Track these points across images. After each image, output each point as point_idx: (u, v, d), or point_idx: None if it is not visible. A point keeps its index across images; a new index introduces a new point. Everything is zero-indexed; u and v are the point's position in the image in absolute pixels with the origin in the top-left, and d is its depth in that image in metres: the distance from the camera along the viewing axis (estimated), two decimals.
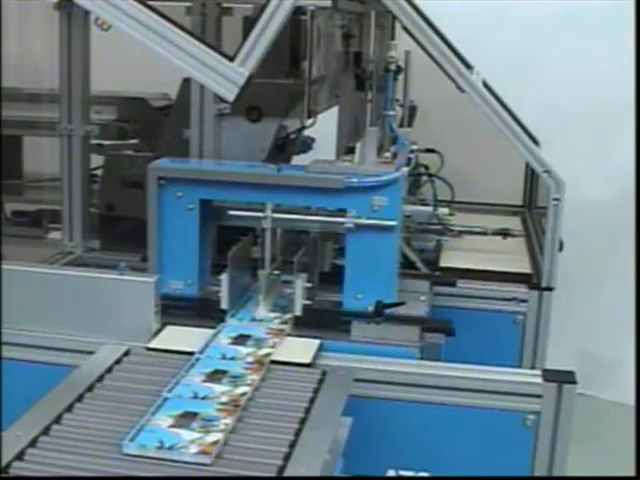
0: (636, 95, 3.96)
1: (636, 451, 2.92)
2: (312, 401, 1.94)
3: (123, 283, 2.30)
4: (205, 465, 1.65)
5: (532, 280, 3.11)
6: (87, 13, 2.98)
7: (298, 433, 1.78)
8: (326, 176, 2.44)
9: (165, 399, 1.88)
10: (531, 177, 4.07)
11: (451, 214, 3.31)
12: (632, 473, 2.91)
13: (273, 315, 2.47)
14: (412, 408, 2.21)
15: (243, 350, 2.20)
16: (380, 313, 2.39)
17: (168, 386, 1.94)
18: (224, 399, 1.90)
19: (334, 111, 3.21)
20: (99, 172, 3.46)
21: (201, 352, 2.17)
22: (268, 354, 2.19)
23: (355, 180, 2.40)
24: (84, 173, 3.19)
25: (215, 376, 2.02)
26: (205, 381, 1.99)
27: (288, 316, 2.45)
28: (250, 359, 2.14)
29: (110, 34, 2.72)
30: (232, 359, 2.14)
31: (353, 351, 2.31)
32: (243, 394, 1.93)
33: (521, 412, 2.19)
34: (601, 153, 4.23)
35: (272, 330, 2.37)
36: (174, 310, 2.46)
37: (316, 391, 1.99)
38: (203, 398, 1.90)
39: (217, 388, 1.95)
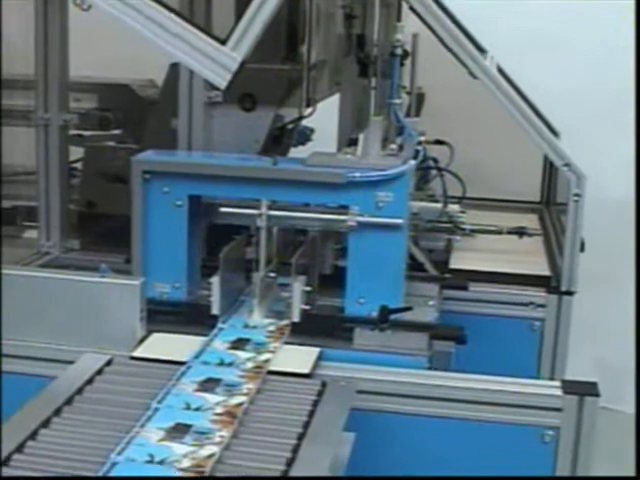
0: (636, 95, 3.95)
1: (636, 451, 2.92)
2: (311, 415, 1.94)
3: (105, 286, 2.30)
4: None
5: (551, 283, 3.12)
6: None
7: (296, 450, 1.79)
8: (326, 170, 2.45)
9: (155, 410, 1.89)
10: (550, 171, 4.08)
11: (462, 211, 3.31)
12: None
13: (268, 321, 2.48)
14: (420, 422, 2.21)
15: (242, 355, 2.22)
16: (385, 319, 2.39)
17: (158, 396, 1.95)
18: (219, 410, 1.91)
19: (335, 99, 3.21)
20: (79, 165, 3.46)
21: (196, 357, 2.18)
22: (268, 359, 2.20)
23: (358, 174, 2.41)
24: (62, 166, 3.20)
25: (208, 385, 2.03)
26: (198, 390, 2.00)
27: (285, 322, 2.46)
28: (250, 365, 2.16)
29: (90, 15, 2.73)
30: (230, 365, 2.15)
31: (356, 360, 2.31)
32: (239, 404, 1.94)
33: (539, 427, 2.19)
34: (626, 145, 4.23)
35: (272, 334, 2.38)
36: (161, 316, 2.46)
37: (315, 404, 2.00)
38: (196, 409, 1.91)
39: (211, 398, 1.97)
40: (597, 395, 2.19)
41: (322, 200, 2.51)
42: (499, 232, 3.38)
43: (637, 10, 3.97)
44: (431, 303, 2.63)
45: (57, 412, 1.91)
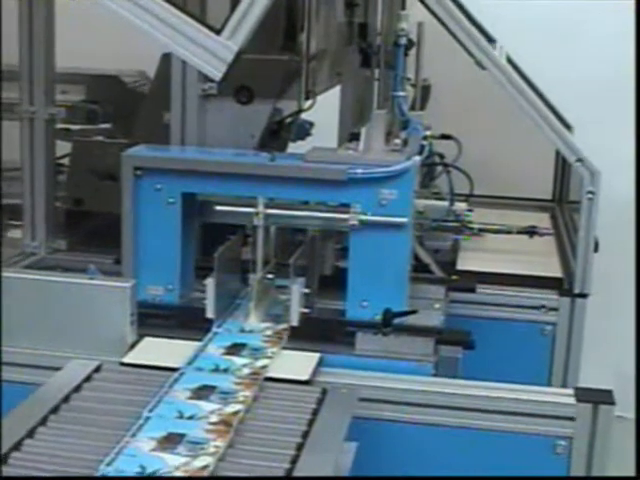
0: (636, 95, 3.95)
1: (636, 451, 2.94)
2: (311, 424, 1.94)
3: (94, 289, 2.30)
4: None
5: (563, 285, 3.12)
6: None
7: (295, 461, 1.79)
8: (327, 166, 2.45)
9: (146, 419, 1.89)
10: (562, 167, 4.08)
11: (470, 210, 3.32)
12: None
13: (265, 325, 2.48)
14: (425, 431, 2.21)
15: (238, 361, 2.22)
16: (388, 323, 2.39)
17: (149, 404, 1.95)
18: (213, 418, 1.91)
19: (336, 92, 3.22)
20: (66, 161, 3.46)
21: (189, 363, 2.18)
22: (266, 366, 2.20)
23: (360, 171, 2.41)
24: (48, 162, 3.20)
25: (202, 392, 2.03)
26: (191, 398, 2.01)
27: (283, 326, 2.46)
28: (246, 371, 2.16)
29: (77, 3, 2.73)
30: (225, 371, 2.16)
31: (357, 366, 2.32)
32: (235, 412, 1.94)
33: (551, 437, 2.20)
34: None
35: (269, 338, 2.38)
36: (152, 320, 2.47)
37: (315, 412, 2.00)
38: (189, 418, 1.92)
39: (205, 406, 1.97)
40: (612, 403, 2.19)
41: (322, 198, 2.51)
42: (509, 231, 3.38)
43: (637, 10, 3.98)
44: (437, 306, 2.64)
45: (43, 421, 1.91)
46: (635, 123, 4.01)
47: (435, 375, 2.34)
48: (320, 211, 2.53)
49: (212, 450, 1.78)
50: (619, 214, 3.94)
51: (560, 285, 3.13)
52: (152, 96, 3.26)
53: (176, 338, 2.39)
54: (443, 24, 2.86)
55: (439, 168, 3.43)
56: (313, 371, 2.23)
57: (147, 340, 2.37)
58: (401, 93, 2.92)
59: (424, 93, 3.62)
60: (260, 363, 2.22)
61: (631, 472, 3.55)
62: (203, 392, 2.04)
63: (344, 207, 2.45)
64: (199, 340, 2.34)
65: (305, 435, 1.89)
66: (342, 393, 2.11)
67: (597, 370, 3.68)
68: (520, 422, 2.19)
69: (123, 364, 2.24)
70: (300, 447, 1.84)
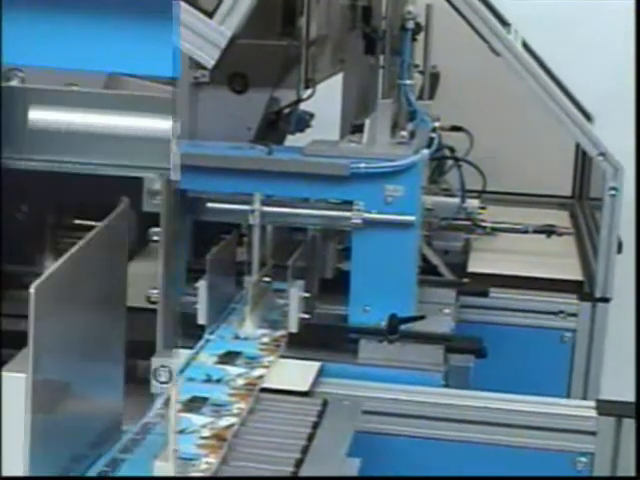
0: (636, 95, 3.95)
1: (636, 451, 2.94)
2: (310, 438, 1.95)
3: None
4: None
5: (583, 289, 3.12)
6: None
7: (294, 478, 1.79)
8: (328, 160, 2.46)
9: None
10: (582, 161, 4.08)
11: (482, 207, 3.32)
12: None
13: (261, 332, 2.48)
14: (434, 447, 2.22)
15: (232, 370, 2.22)
16: (394, 329, 2.40)
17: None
18: (206, 433, 1.91)
19: (338, 80, 3.22)
20: None
21: (180, 373, 2.18)
22: (262, 376, 2.20)
23: (363, 165, 2.41)
24: None
25: (193, 404, 2.04)
26: (182, 411, 2.00)
27: (281, 333, 2.46)
28: (241, 381, 2.16)
29: None
30: (218, 381, 2.16)
31: (361, 376, 2.32)
32: (229, 426, 1.94)
33: (570, 453, 2.20)
34: None
35: (266, 346, 2.39)
36: None
37: (315, 426, 2.00)
38: (180, 432, 1.91)
39: (197, 419, 1.97)
40: (636, 417, 2.19)
41: (323, 194, 2.51)
42: (524, 231, 3.38)
43: (637, 10, 3.98)
44: (447, 311, 2.64)
45: None
46: (635, 124, 4.02)
47: (445, 386, 2.34)
48: (321, 209, 2.53)
49: (204, 467, 1.78)
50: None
51: (580, 289, 3.13)
52: None
53: None
54: (453, 6, 2.86)
55: (449, 162, 3.43)
56: (313, 381, 2.23)
57: None
58: (408, 81, 2.91)
59: (433, 81, 3.63)
60: (256, 373, 2.22)
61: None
62: (194, 404, 2.04)
63: (346, 204, 2.46)
64: (190, 348, 2.34)
65: (305, 450, 1.89)
66: (344, 405, 2.11)
67: (620, 380, 3.68)
68: (537, 437, 2.20)
69: None
70: (299, 463, 1.84)
